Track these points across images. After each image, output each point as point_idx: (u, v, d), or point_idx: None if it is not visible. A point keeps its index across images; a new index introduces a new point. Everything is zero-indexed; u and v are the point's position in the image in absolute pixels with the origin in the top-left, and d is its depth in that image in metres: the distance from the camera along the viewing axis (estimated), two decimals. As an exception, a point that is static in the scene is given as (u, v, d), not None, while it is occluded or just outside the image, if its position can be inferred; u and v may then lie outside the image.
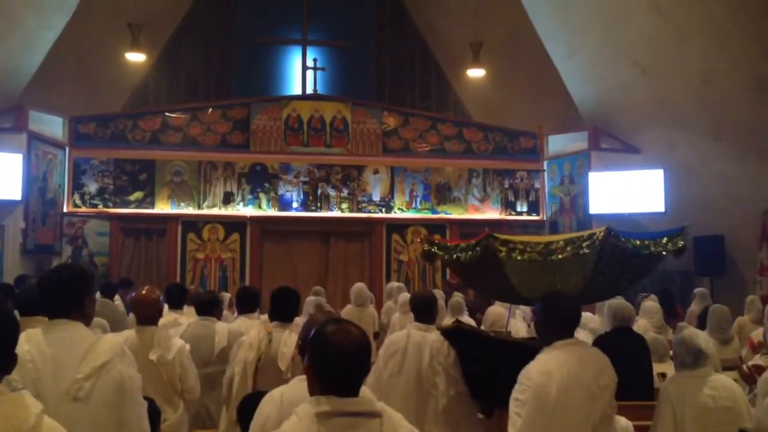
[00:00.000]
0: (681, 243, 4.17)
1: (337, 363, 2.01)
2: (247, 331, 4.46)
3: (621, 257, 4.04)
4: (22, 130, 10.96)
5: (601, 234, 3.96)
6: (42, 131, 11.50)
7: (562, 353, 3.19)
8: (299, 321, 6.90)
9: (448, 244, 4.64)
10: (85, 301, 2.72)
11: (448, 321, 6.77)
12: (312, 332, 2.12)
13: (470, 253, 4.22)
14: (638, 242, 4.15)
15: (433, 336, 4.40)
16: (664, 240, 4.21)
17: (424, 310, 4.65)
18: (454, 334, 4.41)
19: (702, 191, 11.53)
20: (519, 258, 3.93)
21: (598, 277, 4.01)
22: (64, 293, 2.65)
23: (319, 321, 2.28)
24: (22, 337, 2.05)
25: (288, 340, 4.06)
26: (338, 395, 1.98)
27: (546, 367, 3.11)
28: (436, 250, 4.57)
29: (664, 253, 4.15)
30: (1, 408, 1.83)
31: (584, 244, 3.89)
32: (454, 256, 4.37)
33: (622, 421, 3.53)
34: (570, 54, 12.48)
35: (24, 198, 10.81)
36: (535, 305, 3.36)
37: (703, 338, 3.79)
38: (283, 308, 4.29)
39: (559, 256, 3.87)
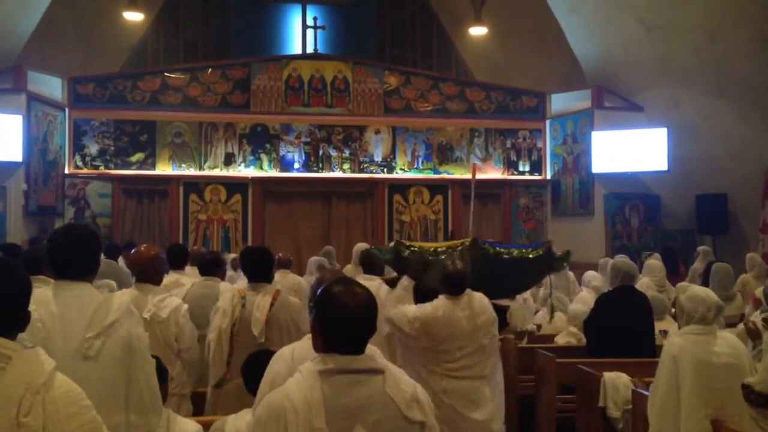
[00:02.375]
0: (541, 251, 5.54)
1: (341, 323, 2.02)
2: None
3: (489, 260, 5.34)
4: (21, 91, 10.88)
5: (468, 242, 5.45)
6: (41, 92, 11.42)
7: (446, 301, 4.38)
8: (300, 281, 6.94)
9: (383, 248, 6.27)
10: (93, 261, 2.73)
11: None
12: (319, 291, 2.13)
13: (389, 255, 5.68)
14: (501, 249, 5.55)
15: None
16: (529, 250, 5.62)
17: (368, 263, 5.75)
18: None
19: (705, 149, 11.48)
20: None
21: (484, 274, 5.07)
22: (73, 254, 2.66)
23: (327, 281, 2.28)
24: (31, 297, 2.05)
25: (261, 303, 4.03)
26: (342, 354, 2.00)
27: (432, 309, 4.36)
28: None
29: (530, 257, 5.50)
30: (15, 365, 1.85)
31: (458, 249, 5.35)
32: (386, 257, 5.75)
33: None
34: (573, 10, 12.31)
35: (25, 159, 10.78)
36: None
37: (715, 295, 3.81)
38: (256, 270, 4.24)
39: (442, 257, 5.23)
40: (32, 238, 10.21)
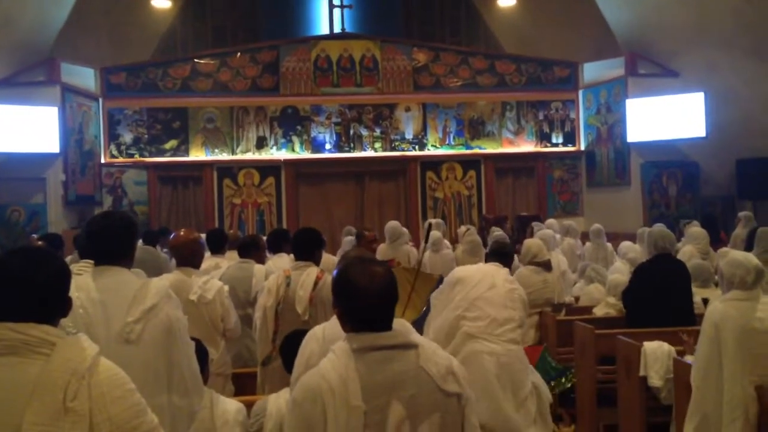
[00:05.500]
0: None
1: (362, 304, 2.02)
2: (278, 270, 4.53)
3: None
4: (56, 83, 11.07)
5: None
6: (75, 83, 11.60)
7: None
8: (335, 260, 6.99)
9: None
10: (132, 248, 2.78)
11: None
12: (334, 274, 2.13)
13: None
14: None
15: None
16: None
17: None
18: None
19: (744, 113, 11.20)
20: None
21: None
22: (113, 240, 2.70)
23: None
24: (72, 284, 2.10)
25: (305, 282, 4.09)
26: (371, 331, 2.01)
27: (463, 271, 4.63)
28: None
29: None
30: (59, 351, 1.89)
31: None
32: None
33: None
34: (604, -24, 12.05)
35: (62, 150, 10.99)
36: None
37: (755, 258, 3.73)
38: (302, 249, 4.30)
39: None
40: (76, 235, 10.42)
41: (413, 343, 2.03)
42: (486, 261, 4.86)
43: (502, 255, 4.78)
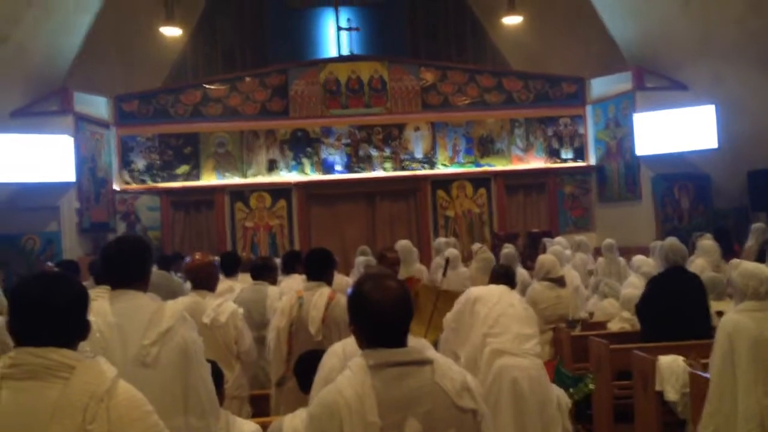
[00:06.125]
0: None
1: (376, 321, 2.05)
2: (290, 290, 4.56)
3: None
4: (69, 112, 11.21)
5: None
6: (88, 112, 11.75)
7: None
8: (348, 281, 7.01)
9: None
10: (147, 271, 2.83)
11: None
12: (349, 291, 2.15)
13: None
14: None
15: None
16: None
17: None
18: None
19: (754, 124, 11.15)
20: None
21: None
22: (127, 264, 2.76)
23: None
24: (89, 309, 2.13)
25: (318, 302, 4.11)
26: (386, 347, 2.03)
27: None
28: None
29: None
30: (78, 374, 1.92)
31: None
32: None
33: None
34: (608, -9, 12.10)
35: (77, 178, 11.10)
36: None
37: None
38: (314, 269, 4.33)
39: None
40: (91, 259, 10.50)
41: (428, 359, 2.05)
42: (491, 283, 4.87)
43: (507, 276, 4.82)
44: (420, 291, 5.56)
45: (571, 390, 4.41)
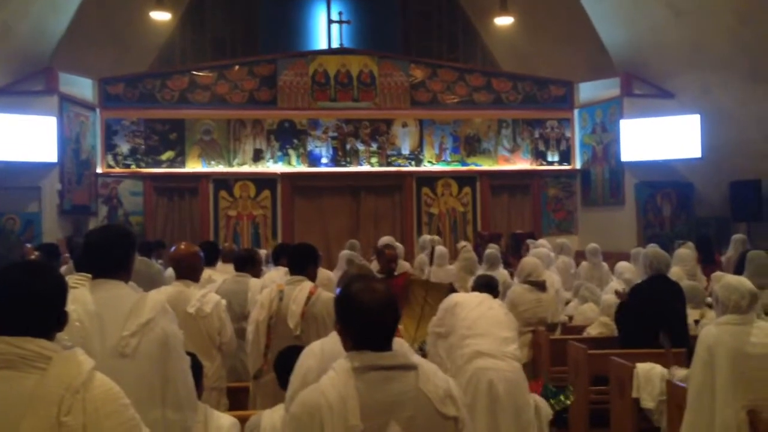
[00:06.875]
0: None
1: (364, 322, 2.04)
2: (272, 283, 4.55)
3: None
4: (54, 93, 11.08)
5: None
6: (72, 93, 11.61)
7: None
8: (330, 275, 7.00)
9: None
10: (130, 261, 2.79)
11: (482, 272, 6.76)
12: (337, 292, 2.14)
13: None
14: None
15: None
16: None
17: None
18: None
19: (739, 135, 11.27)
20: None
21: None
22: (111, 254, 2.72)
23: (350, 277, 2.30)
24: (69, 297, 2.10)
25: (298, 296, 4.09)
26: (371, 350, 2.02)
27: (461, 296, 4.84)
28: None
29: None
30: (54, 365, 1.89)
31: None
32: None
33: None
34: (601, -4, 12.14)
35: (59, 160, 10.98)
36: None
37: (750, 282, 3.75)
38: (296, 263, 4.32)
39: None
40: (68, 237, 10.40)
41: (413, 364, 2.04)
42: (474, 291, 4.89)
43: (489, 287, 4.84)
44: (412, 285, 5.60)
45: (552, 401, 4.43)
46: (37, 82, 11.09)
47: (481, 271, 7.38)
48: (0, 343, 1.89)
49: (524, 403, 4.27)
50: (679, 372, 4.27)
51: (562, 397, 4.51)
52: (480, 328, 4.39)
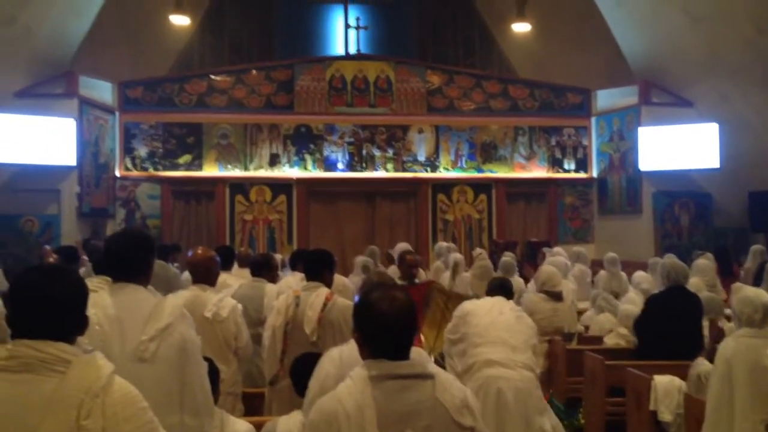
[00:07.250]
0: None
1: (382, 330, 2.03)
2: (288, 289, 4.55)
3: None
4: (73, 96, 11.18)
5: None
6: (92, 96, 11.72)
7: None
8: (345, 281, 7.01)
9: None
10: (149, 265, 2.81)
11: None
12: (357, 300, 2.14)
13: None
14: None
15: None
16: None
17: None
18: None
19: (757, 145, 11.17)
20: None
21: None
22: (131, 258, 2.74)
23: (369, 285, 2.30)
24: (89, 301, 2.11)
25: (314, 302, 4.09)
26: (389, 359, 2.01)
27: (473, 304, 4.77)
28: None
29: None
30: (74, 369, 1.90)
31: None
32: None
33: None
34: (618, 4, 12.09)
35: (78, 163, 11.08)
36: None
37: (767, 295, 3.71)
38: (313, 269, 4.32)
39: None
40: (84, 239, 10.48)
41: (430, 373, 2.04)
42: (488, 294, 4.87)
43: (503, 288, 4.81)
44: (433, 292, 5.61)
45: (565, 422, 4.38)
46: (58, 85, 11.21)
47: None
48: (20, 346, 1.90)
49: (535, 412, 4.23)
50: (704, 366, 4.21)
51: (574, 421, 4.47)
52: (491, 336, 4.36)
